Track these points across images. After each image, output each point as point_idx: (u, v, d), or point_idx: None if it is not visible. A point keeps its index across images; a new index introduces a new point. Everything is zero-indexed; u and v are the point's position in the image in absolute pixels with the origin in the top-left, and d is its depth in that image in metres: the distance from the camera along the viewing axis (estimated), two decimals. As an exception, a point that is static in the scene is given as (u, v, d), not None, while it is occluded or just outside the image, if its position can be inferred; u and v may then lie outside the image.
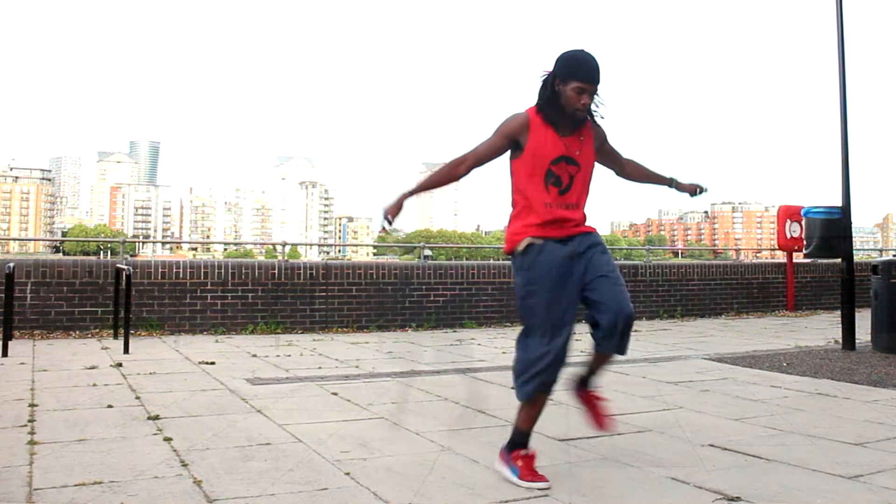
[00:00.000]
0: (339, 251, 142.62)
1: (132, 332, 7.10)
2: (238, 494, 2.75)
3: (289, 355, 6.61)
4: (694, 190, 3.45)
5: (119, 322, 7.39)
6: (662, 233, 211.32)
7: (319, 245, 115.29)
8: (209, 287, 8.37)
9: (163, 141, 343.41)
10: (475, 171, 3.04)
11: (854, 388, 5.11)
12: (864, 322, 7.37)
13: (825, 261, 12.37)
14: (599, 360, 3.24)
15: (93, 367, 5.70)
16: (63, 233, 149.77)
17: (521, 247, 2.96)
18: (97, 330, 7.89)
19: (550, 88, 2.94)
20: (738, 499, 2.75)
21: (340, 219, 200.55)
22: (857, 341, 7.06)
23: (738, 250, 18.24)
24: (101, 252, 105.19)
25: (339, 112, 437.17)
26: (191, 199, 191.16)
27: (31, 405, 4.27)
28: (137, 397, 4.58)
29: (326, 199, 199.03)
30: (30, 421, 3.88)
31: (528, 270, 2.95)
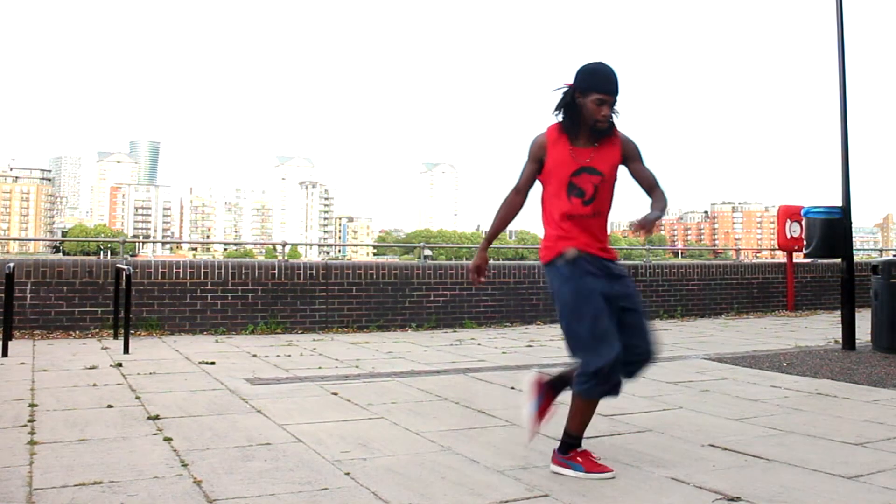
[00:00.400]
0: (339, 251, 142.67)
1: (132, 332, 7.10)
2: (238, 494, 2.75)
3: (289, 355, 6.61)
4: (643, 225, 3.19)
5: (119, 322, 7.39)
6: (662, 233, 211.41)
7: (319, 245, 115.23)
8: (209, 287, 8.37)
9: (163, 141, 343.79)
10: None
11: (854, 388, 5.11)
12: (864, 322, 7.37)
13: (825, 261, 12.37)
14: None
15: (93, 367, 5.70)
16: (63, 233, 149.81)
17: (568, 255, 3.01)
18: (97, 330, 7.89)
19: (571, 101, 3.04)
20: (738, 499, 2.75)
21: (340, 219, 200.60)
22: (857, 341, 7.06)
23: (738, 250, 18.24)
24: (101, 252, 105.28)
25: (339, 112, 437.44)
26: (191, 199, 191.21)
27: (31, 405, 4.27)
28: (137, 397, 4.58)
29: (326, 199, 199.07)
30: (30, 421, 3.88)
31: (570, 279, 3.01)
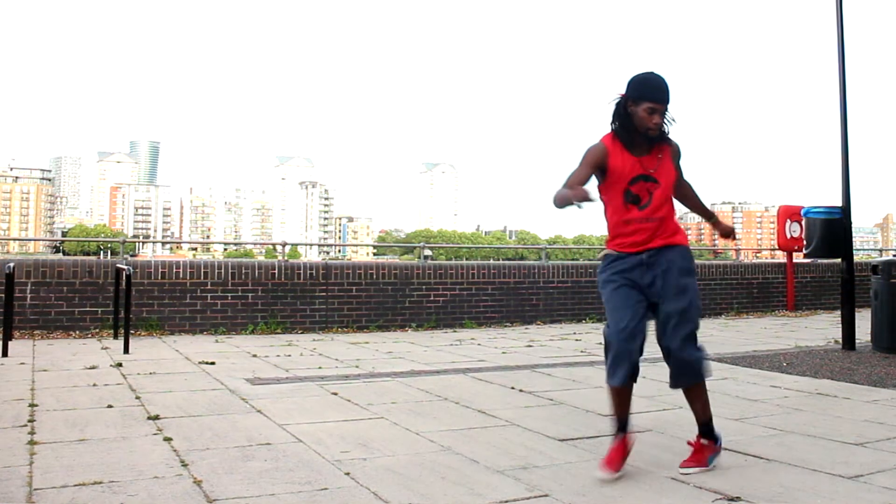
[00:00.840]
0: (339, 251, 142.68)
1: (132, 332, 7.10)
2: (238, 494, 2.75)
3: (289, 355, 6.61)
4: (728, 232, 3.65)
5: (119, 322, 7.40)
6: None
7: (319, 245, 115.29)
8: (209, 287, 8.37)
9: (163, 141, 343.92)
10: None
11: (854, 388, 5.11)
12: (864, 322, 7.37)
13: (825, 261, 12.36)
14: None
15: (93, 367, 5.70)
16: (63, 233, 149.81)
17: (609, 258, 3.21)
18: (97, 330, 7.89)
19: (623, 110, 3.14)
20: (738, 499, 2.76)
21: (340, 219, 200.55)
22: (857, 341, 7.06)
23: (738, 250, 18.24)
24: (101, 252, 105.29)
25: (339, 112, 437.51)
26: (191, 199, 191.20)
27: (31, 405, 4.27)
28: (137, 397, 4.58)
29: (326, 199, 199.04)
30: (30, 421, 3.88)
31: (609, 281, 3.21)
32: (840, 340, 7.25)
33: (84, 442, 3.47)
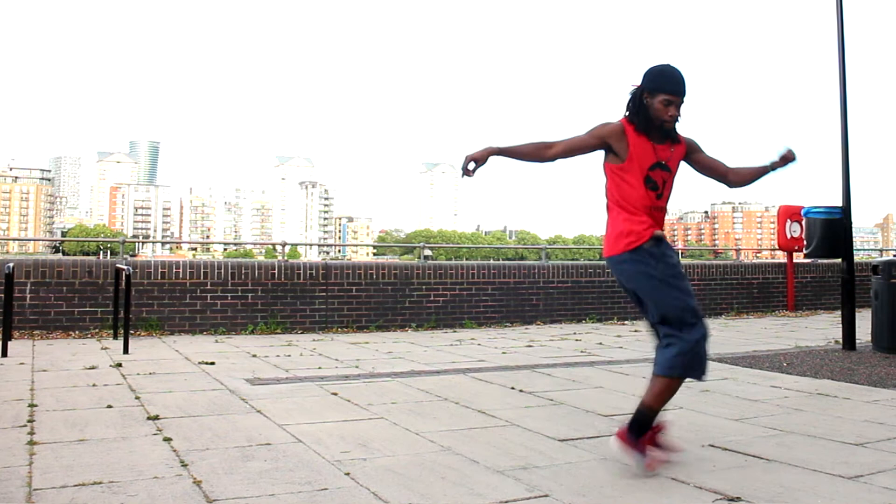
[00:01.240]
0: (339, 251, 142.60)
1: (132, 332, 7.09)
2: (238, 495, 2.75)
3: (289, 355, 6.61)
4: (789, 157, 3.39)
5: (119, 322, 7.39)
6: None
7: (319, 245, 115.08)
8: (209, 287, 8.37)
9: (163, 141, 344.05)
10: (541, 164, 3.24)
11: (854, 388, 5.10)
12: (864, 322, 7.37)
13: (825, 261, 12.36)
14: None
15: (92, 368, 5.70)
16: (63, 233, 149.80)
17: (648, 243, 3.12)
18: (97, 330, 7.88)
19: (639, 102, 3.14)
20: (738, 499, 2.75)
21: (340, 219, 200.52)
22: (857, 341, 7.06)
23: (738, 250, 18.25)
24: (101, 252, 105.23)
25: (339, 112, 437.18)
26: (191, 199, 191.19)
27: (31, 405, 4.27)
28: (137, 397, 4.57)
29: (326, 199, 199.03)
30: (29, 421, 3.88)
31: (662, 257, 3.12)
32: (840, 340, 7.24)
33: (84, 442, 3.46)
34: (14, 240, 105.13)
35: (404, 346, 7.48)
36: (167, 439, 3.54)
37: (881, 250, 34.97)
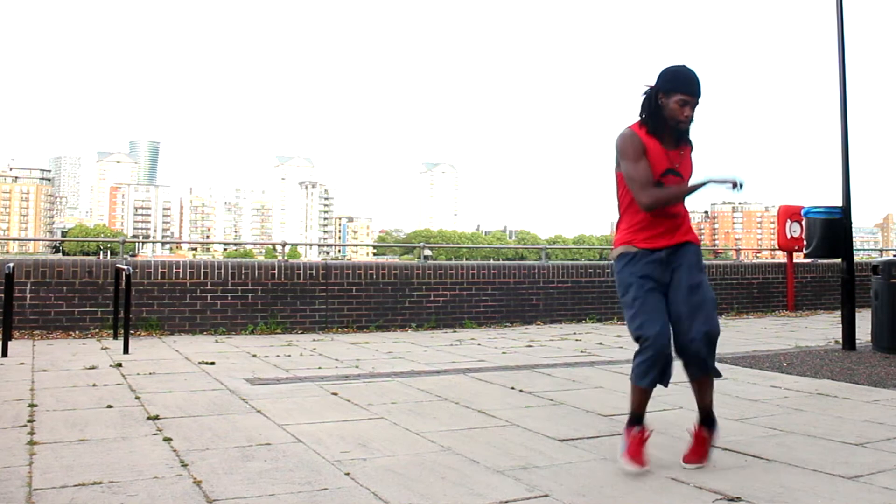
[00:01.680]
0: (339, 251, 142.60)
1: (132, 332, 7.09)
2: (238, 495, 2.75)
3: (289, 355, 6.61)
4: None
5: (119, 322, 7.39)
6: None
7: (319, 245, 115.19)
8: (209, 287, 8.37)
9: (163, 141, 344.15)
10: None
11: (854, 388, 5.10)
12: (864, 322, 7.37)
13: (825, 261, 12.36)
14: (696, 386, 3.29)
15: (92, 368, 5.70)
16: (63, 233, 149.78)
17: (627, 251, 3.14)
18: (97, 330, 7.88)
19: (654, 102, 3.12)
20: (739, 499, 2.75)
21: (340, 219, 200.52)
22: (857, 341, 7.06)
23: (738, 250, 18.25)
24: (101, 252, 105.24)
25: (339, 112, 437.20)
26: (191, 199, 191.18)
27: (31, 405, 4.27)
28: (137, 397, 4.57)
29: (326, 199, 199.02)
30: (29, 421, 3.88)
31: (620, 273, 3.16)
32: (840, 340, 7.24)
33: (84, 442, 3.46)
34: (14, 240, 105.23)
35: (404, 346, 7.48)
36: (167, 439, 3.54)
37: (881, 250, 34.98)
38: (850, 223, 7.27)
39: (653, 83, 3.16)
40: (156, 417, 4.01)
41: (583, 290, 10.35)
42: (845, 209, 7.18)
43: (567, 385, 5.22)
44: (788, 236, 12.02)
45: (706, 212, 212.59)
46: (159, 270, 8.21)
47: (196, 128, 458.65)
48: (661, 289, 3.12)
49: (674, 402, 4.58)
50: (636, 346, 3.14)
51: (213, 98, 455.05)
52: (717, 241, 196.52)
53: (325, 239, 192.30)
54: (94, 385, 4.95)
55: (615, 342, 7.78)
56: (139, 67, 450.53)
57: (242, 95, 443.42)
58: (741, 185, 3.05)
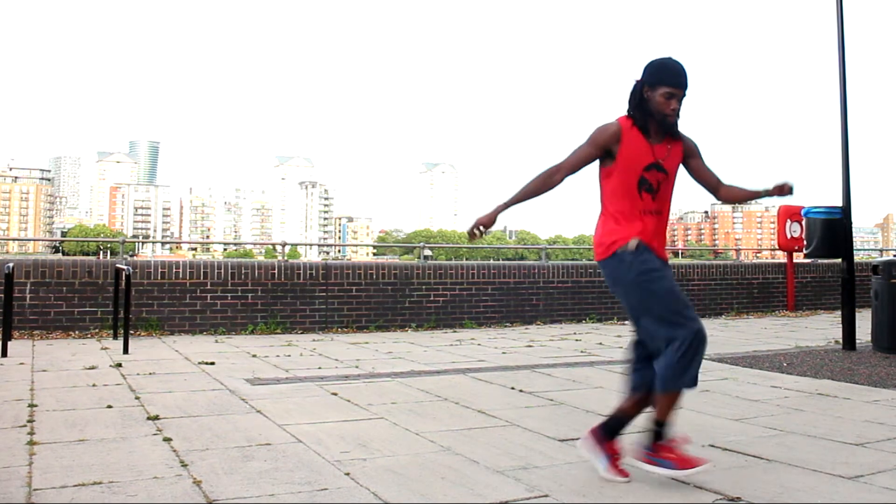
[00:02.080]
0: (339, 251, 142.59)
1: (132, 332, 7.09)
2: (238, 495, 2.75)
3: (289, 355, 6.61)
4: (785, 190, 3.22)
5: (119, 322, 7.39)
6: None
7: (319, 245, 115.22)
8: (209, 287, 8.37)
9: (162, 141, 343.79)
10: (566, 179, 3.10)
11: (854, 388, 5.10)
12: (864, 322, 7.37)
13: (825, 261, 12.36)
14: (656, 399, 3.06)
15: (92, 368, 5.70)
16: (63, 233, 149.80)
17: (631, 245, 2.96)
18: (97, 330, 7.88)
19: (640, 96, 3.03)
20: (739, 499, 2.75)
21: (340, 219, 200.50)
22: (857, 341, 7.06)
23: (738, 250, 18.25)
24: (101, 252, 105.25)
25: (339, 112, 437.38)
26: (190, 199, 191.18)
27: (31, 405, 4.27)
28: (137, 397, 4.57)
29: (326, 199, 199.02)
30: (29, 421, 3.87)
31: (643, 263, 2.95)
32: (840, 341, 7.24)
33: (83, 442, 3.46)
34: (14, 240, 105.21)
35: (404, 346, 7.48)
36: (167, 439, 3.53)
37: (881, 250, 34.99)
38: (850, 223, 7.27)
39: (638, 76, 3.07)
40: (156, 417, 4.00)
41: (583, 290, 10.35)
42: (845, 209, 7.18)
43: (567, 385, 5.22)
44: (788, 236, 12.02)
45: (706, 212, 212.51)
46: (159, 270, 8.21)
47: (196, 128, 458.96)
48: None
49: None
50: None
51: (212, 98, 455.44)
52: (717, 241, 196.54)
53: (324, 239, 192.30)
54: (93, 385, 4.95)
55: (615, 342, 7.78)
56: (139, 67, 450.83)
57: (242, 95, 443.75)
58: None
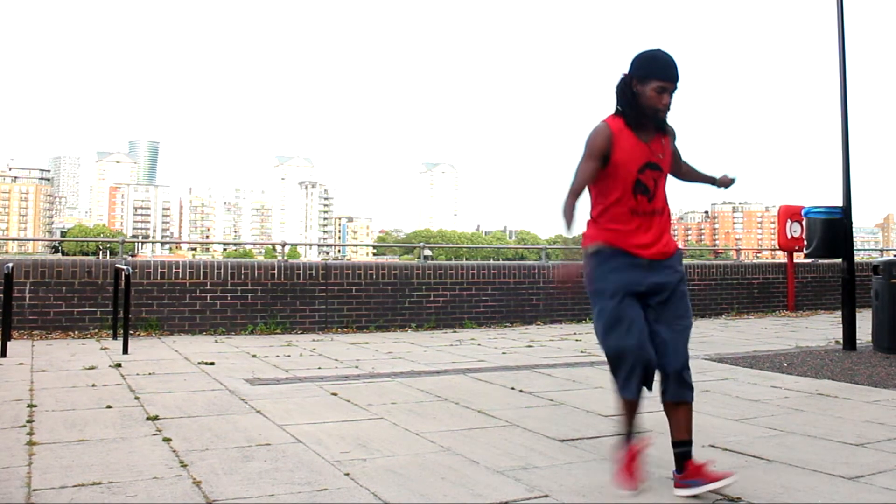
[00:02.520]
0: (339, 251, 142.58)
1: (131, 332, 7.09)
2: (238, 495, 2.74)
3: (288, 355, 6.60)
4: (727, 182, 3.31)
5: (118, 322, 7.38)
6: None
7: (319, 245, 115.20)
8: (209, 287, 8.36)
9: (162, 141, 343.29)
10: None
11: (855, 388, 5.10)
12: (864, 322, 7.37)
13: (826, 261, 12.36)
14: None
15: (92, 368, 5.69)
16: (62, 233, 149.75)
17: (590, 249, 2.97)
18: (96, 330, 7.88)
19: (629, 91, 2.87)
20: (739, 499, 2.75)
21: (340, 219, 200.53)
22: (857, 342, 7.06)
23: (738, 250, 18.27)
24: (101, 252, 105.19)
25: (339, 112, 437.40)
26: (190, 199, 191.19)
27: (30, 405, 4.26)
28: (136, 398, 4.57)
29: (326, 199, 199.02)
30: (28, 421, 3.87)
31: (595, 269, 2.97)
32: (841, 341, 7.24)
33: (83, 442, 3.46)
34: (13, 240, 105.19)
35: (404, 346, 7.47)
36: (167, 439, 3.53)
37: (881, 250, 34.96)
38: (851, 223, 7.27)
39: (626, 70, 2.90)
40: (155, 418, 4.00)
41: (583, 290, 10.30)
42: (846, 209, 7.18)
43: (567, 385, 5.22)
44: (789, 236, 12.01)
45: (706, 212, 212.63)
46: (159, 270, 8.21)
47: (196, 128, 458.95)
48: (635, 292, 2.95)
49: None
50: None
51: (212, 98, 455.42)
52: (717, 241, 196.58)
53: (324, 239, 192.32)
54: (93, 385, 4.94)
55: (615, 342, 7.77)
56: (138, 67, 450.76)
57: (242, 95, 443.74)
58: None
